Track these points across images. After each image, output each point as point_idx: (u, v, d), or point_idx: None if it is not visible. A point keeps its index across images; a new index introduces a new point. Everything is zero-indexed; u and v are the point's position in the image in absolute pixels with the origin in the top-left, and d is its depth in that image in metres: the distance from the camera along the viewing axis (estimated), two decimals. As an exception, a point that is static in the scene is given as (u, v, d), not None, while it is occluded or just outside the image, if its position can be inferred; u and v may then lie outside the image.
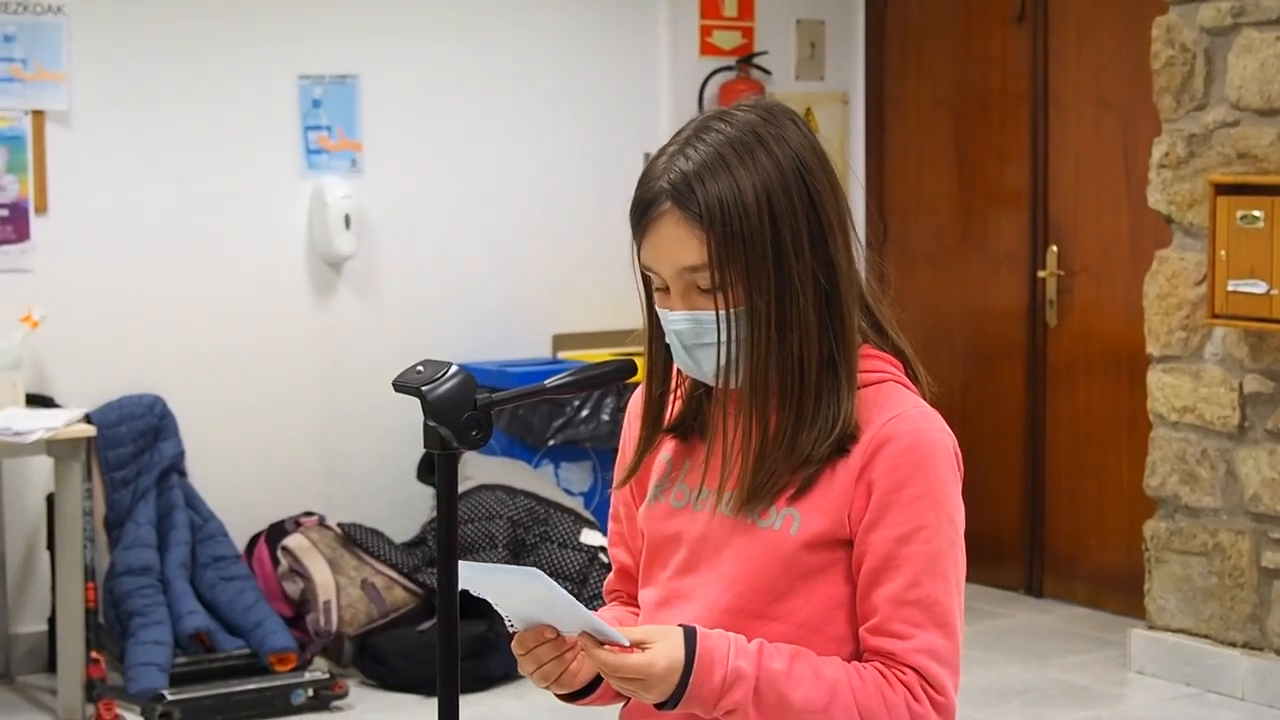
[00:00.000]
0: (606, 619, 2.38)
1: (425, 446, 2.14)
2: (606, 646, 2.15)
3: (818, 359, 2.20)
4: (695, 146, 2.22)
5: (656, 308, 2.28)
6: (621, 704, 2.35)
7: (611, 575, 2.52)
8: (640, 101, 7.27)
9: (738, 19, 7.43)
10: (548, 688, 2.28)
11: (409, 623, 6.22)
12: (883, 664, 2.17)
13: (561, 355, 7.09)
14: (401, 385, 2.14)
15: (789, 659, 2.16)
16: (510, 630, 2.25)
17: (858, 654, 2.21)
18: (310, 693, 5.82)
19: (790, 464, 2.20)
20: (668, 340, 2.27)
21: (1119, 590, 6.75)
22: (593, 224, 7.16)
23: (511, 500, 6.39)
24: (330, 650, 6.21)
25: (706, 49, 7.37)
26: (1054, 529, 7.08)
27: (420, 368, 2.14)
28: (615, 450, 7.45)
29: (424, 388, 2.11)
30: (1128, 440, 6.68)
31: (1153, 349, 6.12)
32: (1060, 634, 6.62)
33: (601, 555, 6.37)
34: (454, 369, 2.14)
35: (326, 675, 5.91)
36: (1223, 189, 5.74)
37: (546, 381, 2.24)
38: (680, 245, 2.20)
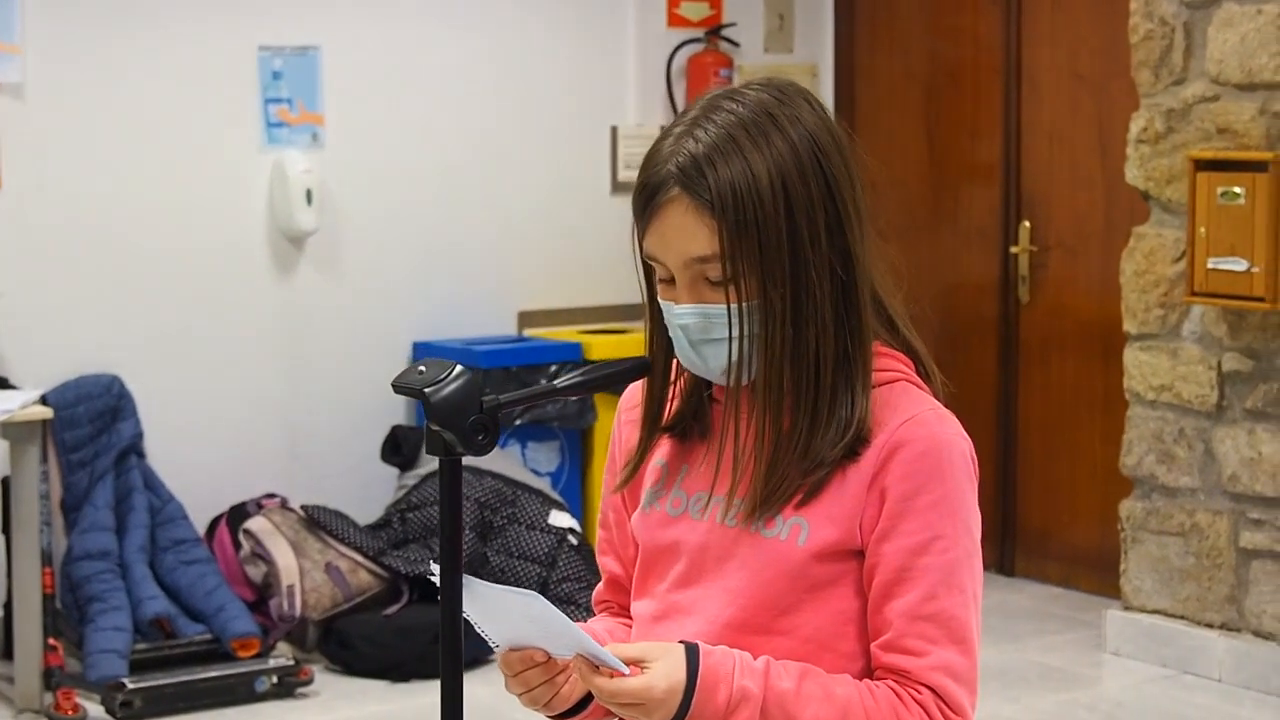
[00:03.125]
0: (598, 631, 2.25)
1: (428, 452, 1.99)
2: (602, 670, 2.00)
3: (834, 355, 2.05)
4: (704, 127, 2.04)
5: (659, 300, 2.11)
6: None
7: (601, 585, 2.36)
8: (608, 74, 7.12)
9: (706, -10, 7.29)
10: (537, 710, 2.14)
11: (375, 606, 6.07)
12: (896, 682, 2.04)
13: (527, 333, 6.95)
14: (402, 386, 1.98)
15: (798, 677, 2.02)
16: (495, 649, 2.11)
17: (869, 671, 2.08)
18: (274, 680, 5.68)
19: (802, 468, 2.05)
20: (671, 335, 2.10)
21: (1092, 569, 6.66)
22: (559, 199, 7.03)
23: (478, 481, 6.25)
24: (294, 635, 6.06)
25: (674, 20, 7.23)
26: (1026, 507, 6.98)
27: (422, 368, 1.98)
28: (583, 430, 7.31)
29: (427, 389, 1.96)
30: (1101, 418, 6.58)
31: (1130, 327, 6.01)
32: (1034, 614, 6.52)
33: (570, 537, 6.24)
34: (458, 369, 1.98)
35: (291, 661, 5.77)
36: (1202, 165, 5.64)
37: (556, 381, 2.10)
38: (689, 234, 2.03)
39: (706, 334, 2.06)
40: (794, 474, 2.05)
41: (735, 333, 2.04)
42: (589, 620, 2.34)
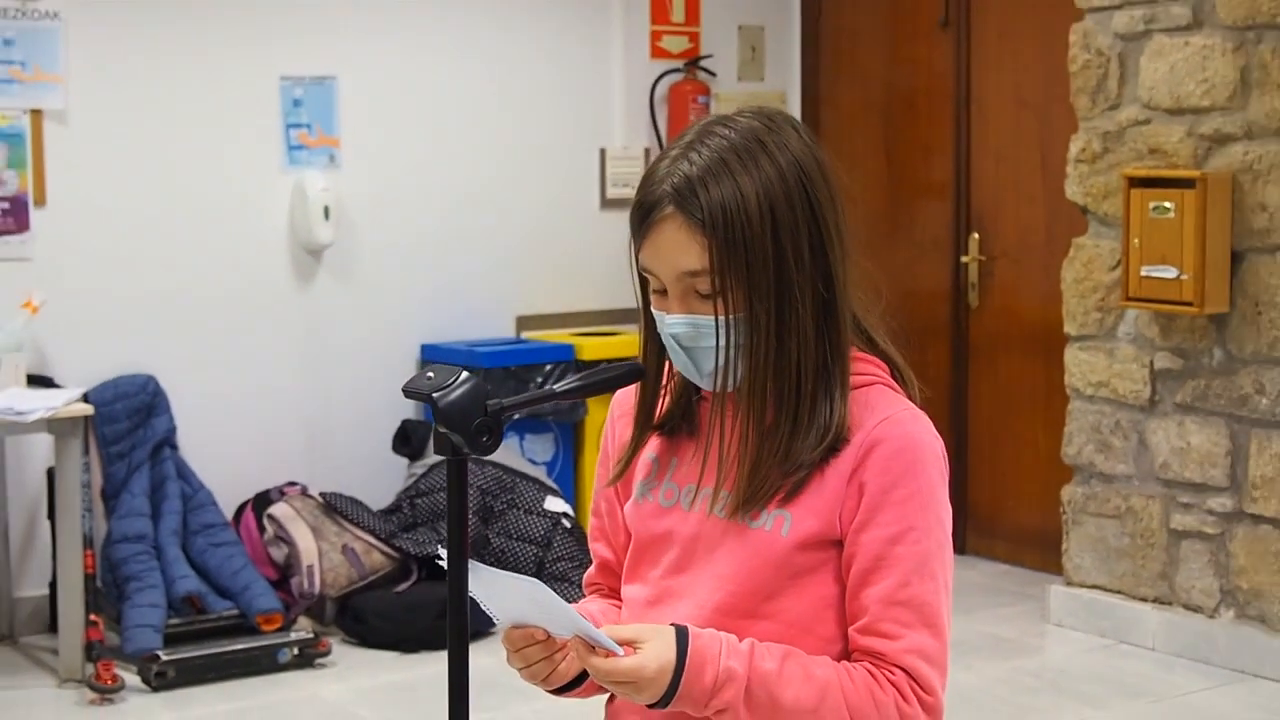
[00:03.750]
0: (591, 612, 2.17)
1: (435, 452, 1.92)
2: (598, 650, 1.93)
3: (814, 366, 1.98)
4: (698, 150, 1.98)
5: (653, 309, 2.04)
6: (607, 695, 2.13)
7: (592, 569, 2.29)
8: (596, 101, 7.04)
9: (685, 24, 7.20)
10: (535, 684, 2.07)
11: (387, 584, 5.98)
12: (872, 664, 1.97)
13: (524, 335, 6.86)
14: (412, 391, 1.90)
15: (780, 659, 1.95)
16: (497, 624, 2.03)
17: (846, 653, 2.01)
18: (295, 651, 5.59)
19: (783, 470, 1.98)
20: (664, 341, 2.03)
21: (1035, 548, 6.59)
22: (553, 214, 6.95)
23: (480, 470, 6.16)
24: (313, 611, 5.98)
25: (656, 52, 7.15)
26: (976, 492, 6.91)
27: (430, 374, 1.90)
28: (576, 423, 7.21)
29: (435, 394, 1.87)
30: (1044, 411, 6.51)
31: (1070, 329, 5.94)
32: (984, 589, 6.44)
33: (564, 520, 6.16)
34: (464, 375, 1.90)
35: (310, 635, 5.68)
36: (1136, 182, 5.56)
37: (556, 386, 2.02)
38: (681, 249, 1.96)
39: (696, 342, 1.99)
40: (775, 475, 1.99)
41: (722, 342, 1.97)
42: (582, 601, 2.28)
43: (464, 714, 1.92)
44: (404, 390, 1.92)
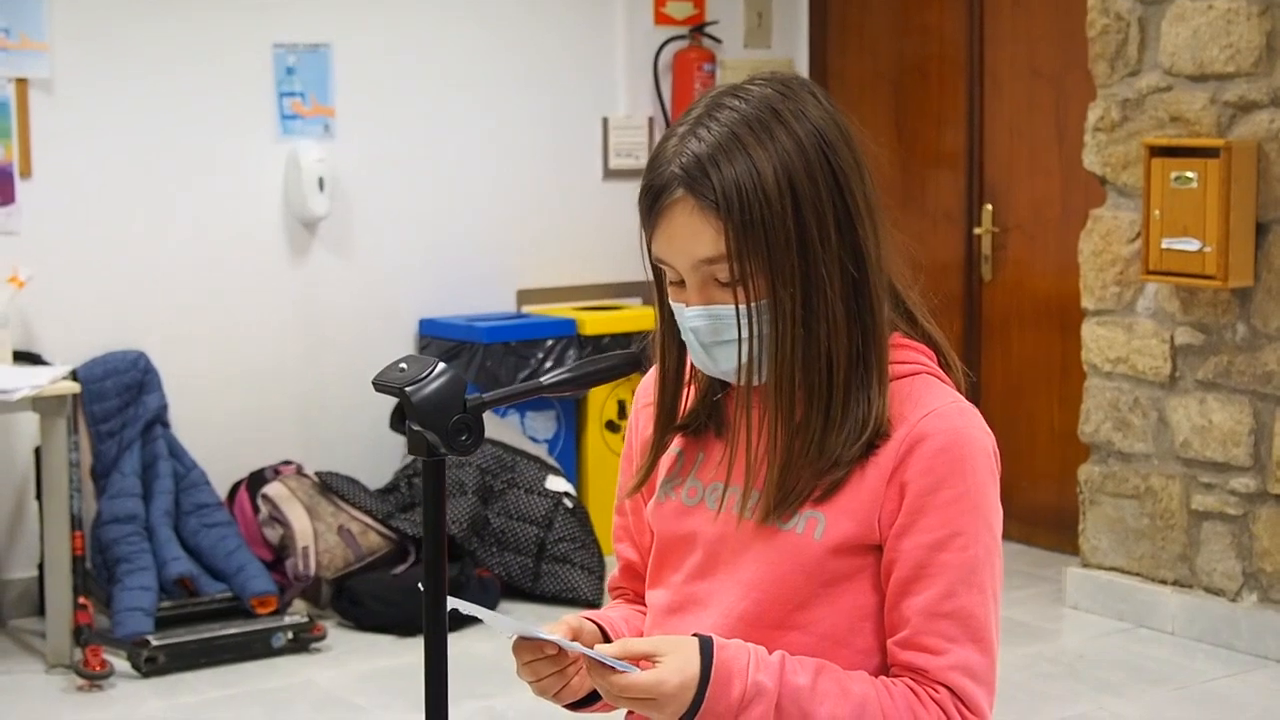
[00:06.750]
0: (612, 620, 2.00)
1: (410, 452, 1.73)
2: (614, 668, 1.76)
3: (847, 354, 1.80)
4: (708, 126, 1.79)
5: (671, 302, 1.85)
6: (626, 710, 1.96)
7: (616, 572, 2.12)
8: (599, 69, 6.85)
9: (690, -10, 7.02)
10: (546, 699, 1.90)
11: (384, 566, 5.82)
12: (914, 680, 1.79)
13: (525, 309, 6.69)
14: (382, 385, 1.72)
15: (813, 673, 1.78)
16: (508, 639, 1.88)
17: (884, 667, 1.83)
18: (290, 636, 5.43)
19: (818, 468, 1.80)
20: (684, 337, 1.85)
21: (1050, 528, 6.42)
22: (554, 185, 6.76)
23: (479, 448, 5.98)
24: (309, 593, 5.81)
25: (661, 19, 6.95)
26: (987, 470, 6.71)
27: (403, 365, 1.72)
28: (578, 401, 6.98)
29: (408, 388, 1.69)
30: (1059, 388, 6.34)
31: (1087, 303, 5.77)
32: (997, 570, 6.27)
33: (565, 500, 5.99)
34: (440, 367, 1.71)
35: (305, 618, 5.51)
36: (1157, 151, 5.39)
37: (543, 379, 1.83)
38: (695, 236, 1.78)
39: (716, 336, 1.82)
40: (809, 474, 1.81)
41: (745, 334, 1.79)
42: (605, 606, 2.11)
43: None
44: (374, 384, 1.74)
